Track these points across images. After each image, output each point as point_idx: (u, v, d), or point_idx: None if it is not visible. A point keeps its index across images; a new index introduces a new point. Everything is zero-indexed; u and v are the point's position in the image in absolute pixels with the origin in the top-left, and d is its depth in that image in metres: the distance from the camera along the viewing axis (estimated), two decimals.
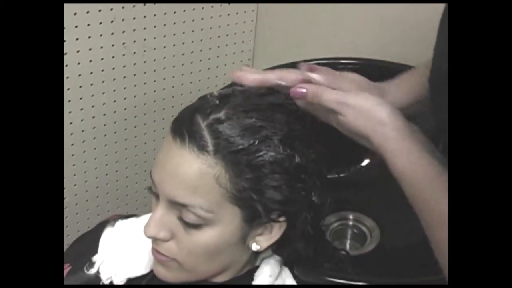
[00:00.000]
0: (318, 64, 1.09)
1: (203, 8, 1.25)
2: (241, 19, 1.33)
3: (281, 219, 0.68)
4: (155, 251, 0.69)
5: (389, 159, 0.64)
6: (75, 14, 1.05)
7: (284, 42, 1.36)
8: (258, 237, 0.69)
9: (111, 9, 1.10)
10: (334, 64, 1.11)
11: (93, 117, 1.19)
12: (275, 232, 0.69)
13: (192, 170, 0.64)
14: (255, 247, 0.69)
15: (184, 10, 1.22)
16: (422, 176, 0.62)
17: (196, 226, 0.66)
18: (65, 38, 1.05)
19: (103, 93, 1.18)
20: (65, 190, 1.21)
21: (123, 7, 1.11)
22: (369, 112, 0.65)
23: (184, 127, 0.65)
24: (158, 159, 0.67)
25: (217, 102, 0.66)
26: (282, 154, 0.65)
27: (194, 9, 1.23)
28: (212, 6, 1.26)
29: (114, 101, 1.20)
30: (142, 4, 1.14)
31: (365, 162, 1.09)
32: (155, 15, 1.17)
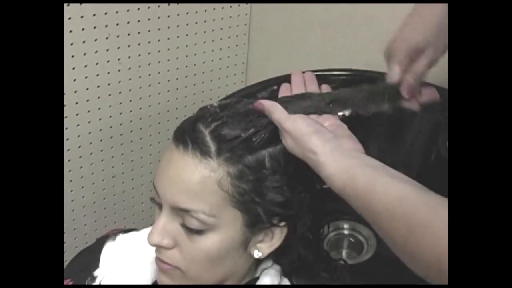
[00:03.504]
0: None
1: (196, 23, 1.26)
2: (234, 33, 1.35)
3: (282, 223, 0.69)
4: (158, 260, 0.70)
5: (328, 181, 0.64)
6: (70, 31, 1.06)
7: (277, 55, 1.37)
8: (259, 244, 0.70)
9: (106, 26, 1.11)
10: (327, 76, 1.12)
11: (90, 133, 1.20)
12: (276, 239, 0.70)
13: (194, 175, 0.66)
14: (256, 254, 0.70)
15: (178, 26, 1.23)
16: (362, 182, 0.61)
17: (198, 232, 0.67)
18: (72, 54, 1.07)
19: (99, 108, 1.19)
20: None
21: (117, 24, 1.13)
22: (301, 140, 0.66)
23: (187, 134, 0.67)
24: (161, 167, 0.69)
25: (218, 110, 0.69)
26: (279, 146, 0.68)
27: (187, 24, 1.25)
28: (205, 21, 1.28)
29: (110, 117, 1.21)
30: (137, 21, 1.15)
31: None
32: (149, 31, 1.19)
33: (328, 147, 0.65)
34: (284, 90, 0.78)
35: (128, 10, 1.13)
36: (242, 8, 1.34)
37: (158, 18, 1.19)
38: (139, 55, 1.20)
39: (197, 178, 0.66)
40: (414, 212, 0.56)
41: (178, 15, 1.22)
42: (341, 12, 1.23)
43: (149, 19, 1.17)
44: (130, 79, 1.21)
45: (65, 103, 1.12)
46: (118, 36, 1.14)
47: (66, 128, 1.15)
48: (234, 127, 0.67)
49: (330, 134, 0.67)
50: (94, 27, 1.09)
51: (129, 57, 1.18)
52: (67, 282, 0.78)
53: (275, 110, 0.68)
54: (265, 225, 0.68)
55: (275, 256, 0.74)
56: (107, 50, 1.14)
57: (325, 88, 0.79)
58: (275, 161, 0.68)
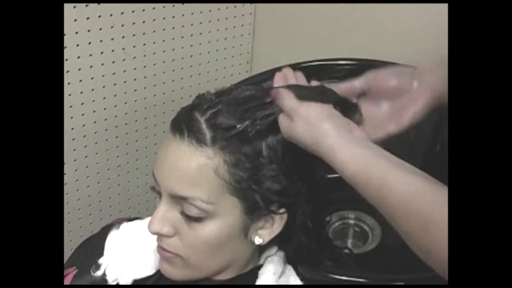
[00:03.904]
0: (316, 65, 1.10)
1: (201, 12, 1.26)
2: (239, 23, 1.34)
3: (281, 210, 0.69)
4: (160, 248, 0.71)
5: (339, 168, 0.63)
6: (75, 20, 1.06)
7: (282, 45, 1.37)
8: (260, 230, 0.70)
9: (111, 15, 1.11)
10: (332, 65, 1.12)
11: (95, 122, 1.20)
12: (276, 225, 0.70)
13: (191, 163, 0.66)
14: (257, 240, 0.70)
15: (183, 15, 1.23)
16: (376, 173, 0.60)
17: (198, 219, 0.67)
18: (65, 44, 1.06)
19: (104, 98, 1.19)
20: (67, 196, 1.22)
21: (122, 13, 1.12)
22: (314, 125, 0.65)
23: (183, 123, 0.67)
24: (159, 156, 0.69)
25: (214, 98, 0.69)
26: (277, 136, 0.68)
27: (192, 13, 1.24)
28: (210, 10, 1.27)
29: (115, 106, 1.21)
30: (141, 10, 1.15)
31: None
32: (154, 20, 1.18)
33: (342, 132, 0.64)
34: (279, 80, 0.77)
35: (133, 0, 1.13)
36: (246, 11, 1.33)
37: (163, 7, 1.19)
38: (144, 45, 1.19)
39: (194, 166, 0.66)
40: (427, 210, 0.55)
41: (183, 4, 1.22)
42: (342, 12, 1.23)
43: (154, 8, 1.17)
44: (135, 69, 1.20)
45: (70, 93, 1.12)
46: (123, 25, 1.14)
47: (71, 118, 1.15)
48: (230, 116, 0.66)
49: (344, 120, 0.66)
50: (99, 16, 1.09)
51: (134, 47, 1.18)
52: (71, 270, 0.78)
53: (287, 96, 0.68)
54: (264, 212, 0.69)
55: (279, 243, 0.74)
56: (112, 39, 1.13)
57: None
58: (273, 151, 0.67)
